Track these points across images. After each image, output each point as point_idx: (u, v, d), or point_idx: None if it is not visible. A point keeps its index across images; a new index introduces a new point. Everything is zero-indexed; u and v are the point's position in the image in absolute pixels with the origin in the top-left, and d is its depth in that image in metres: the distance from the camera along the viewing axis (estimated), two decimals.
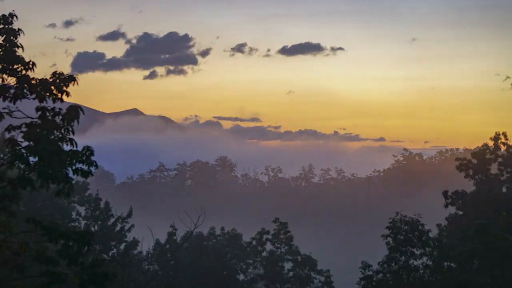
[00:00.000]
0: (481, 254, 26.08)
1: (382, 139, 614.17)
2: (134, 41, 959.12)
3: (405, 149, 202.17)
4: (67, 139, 17.92)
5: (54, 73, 18.55)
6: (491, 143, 51.85)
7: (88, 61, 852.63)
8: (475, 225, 27.11)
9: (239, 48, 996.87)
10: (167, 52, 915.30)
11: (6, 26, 18.68)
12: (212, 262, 56.52)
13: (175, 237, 60.59)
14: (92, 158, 18.00)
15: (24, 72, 18.47)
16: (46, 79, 18.48)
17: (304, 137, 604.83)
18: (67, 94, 18.64)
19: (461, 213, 46.67)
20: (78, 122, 18.17)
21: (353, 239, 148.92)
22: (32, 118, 18.12)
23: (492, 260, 25.95)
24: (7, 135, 18.08)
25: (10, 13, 18.89)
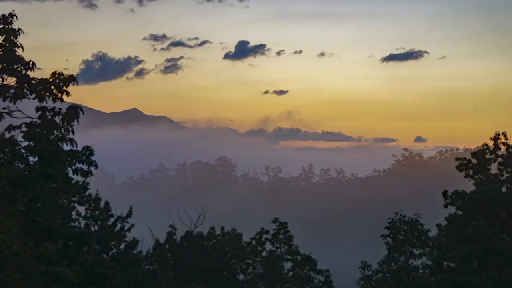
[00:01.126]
0: (477, 255, 26.10)
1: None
2: None
3: (405, 149, 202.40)
4: (67, 139, 17.94)
5: (54, 73, 18.57)
6: (491, 143, 51.85)
7: None
8: (472, 225, 27.12)
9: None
10: None
11: (6, 26, 18.69)
12: (212, 262, 56.53)
13: (174, 237, 60.63)
14: (92, 158, 18.04)
15: (24, 72, 18.49)
16: (46, 79, 18.51)
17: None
18: (67, 94, 18.65)
19: (460, 213, 46.66)
20: (78, 122, 18.20)
21: (353, 238, 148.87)
22: (32, 118, 18.14)
23: (488, 261, 25.97)
24: (7, 135, 18.10)
25: (10, 13, 18.90)
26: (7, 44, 18.52)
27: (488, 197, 42.45)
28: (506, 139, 52.13)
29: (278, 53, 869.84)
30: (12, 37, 18.58)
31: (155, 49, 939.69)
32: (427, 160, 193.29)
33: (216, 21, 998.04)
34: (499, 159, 50.82)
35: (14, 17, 18.80)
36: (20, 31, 18.71)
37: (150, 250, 60.04)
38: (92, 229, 55.87)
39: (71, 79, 18.51)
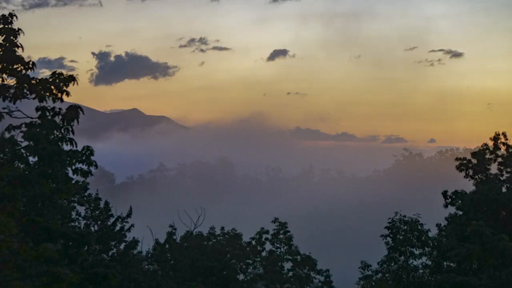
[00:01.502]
0: (477, 255, 26.13)
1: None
2: None
3: (405, 149, 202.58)
4: (67, 139, 17.96)
5: (54, 73, 18.58)
6: (491, 143, 51.97)
7: None
8: (472, 225, 27.16)
9: None
10: None
11: (6, 26, 18.71)
12: (212, 262, 56.57)
13: (174, 237, 60.67)
14: (92, 158, 18.06)
15: (24, 72, 18.50)
16: (46, 79, 18.52)
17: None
18: (67, 94, 18.67)
19: (460, 213, 46.72)
20: (78, 121, 18.22)
21: (352, 238, 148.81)
22: (32, 118, 18.14)
23: (488, 261, 26.02)
24: (7, 135, 18.11)
25: (10, 13, 18.93)
26: (7, 44, 18.54)
27: (488, 197, 42.46)
28: (506, 139, 52.23)
29: (300, 56, 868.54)
30: (12, 37, 18.60)
31: (193, 51, 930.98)
32: (427, 160, 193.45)
33: (264, 25, 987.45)
34: (499, 159, 50.93)
35: (14, 17, 18.84)
36: (20, 31, 18.72)
37: (150, 250, 60.07)
38: (92, 229, 55.93)
39: (71, 79, 18.53)
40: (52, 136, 17.83)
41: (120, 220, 59.51)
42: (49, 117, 18.03)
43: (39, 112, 18.16)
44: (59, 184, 17.79)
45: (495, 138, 51.96)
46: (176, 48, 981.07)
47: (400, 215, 46.17)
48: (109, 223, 58.98)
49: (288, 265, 58.81)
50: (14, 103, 18.46)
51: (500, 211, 43.62)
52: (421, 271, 43.91)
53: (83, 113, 18.24)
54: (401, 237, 44.65)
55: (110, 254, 56.94)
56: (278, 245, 60.15)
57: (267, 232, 61.89)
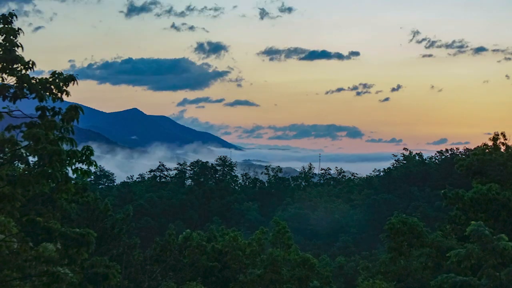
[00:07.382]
0: (477, 255, 26.17)
1: None
2: None
3: (405, 149, 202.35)
4: (67, 138, 17.94)
5: (54, 73, 18.57)
6: (490, 143, 52.02)
7: None
8: (471, 225, 27.22)
9: None
10: None
11: (6, 26, 18.69)
12: (212, 262, 56.58)
13: (174, 237, 60.70)
14: (92, 157, 18.04)
15: (24, 71, 18.48)
16: (46, 78, 18.51)
17: None
18: (67, 94, 18.66)
19: (460, 213, 46.77)
20: (77, 121, 18.21)
21: (352, 239, 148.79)
22: (32, 117, 18.12)
23: (488, 261, 26.06)
24: (7, 135, 18.09)
25: (10, 12, 18.90)
26: (7, 44, 18.52)
27: (488, 197, 42.49)
28: (506, 139, 52.28)
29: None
30: (12, 37, 18.58)
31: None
32: (427, 160, 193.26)
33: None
34: (499, 159, 50.95)
35: (14, 17, 18.82)
36: (20, 31, 18.69)
37: (150, 250, 60.16)
38: (92, 229, 56.00)
39: (71, 78, 18.53)
40: (52, 136, 17.80)
41: (119, 220, 59.58)
42: (49, 117, 18.01)
43: (39, 112, 18.14)
44: (59, 184, 17.76)
45: (495, 138, 51.98)
46: None
47: (400, 215, 46.24)
48: (108, 223, 59.02)
49: (287, 266, 58.79)
50: (14, 103, 18.45)
51: (500, 211, 43.67)
52: (421, 271, 43.95)
53: (83, 113, 18.23)
54: (401, 238, 44.72)
55: (110, 254, 56.96)
56: (277, 246, 60.15)
57: (266, 232, 61.97)
